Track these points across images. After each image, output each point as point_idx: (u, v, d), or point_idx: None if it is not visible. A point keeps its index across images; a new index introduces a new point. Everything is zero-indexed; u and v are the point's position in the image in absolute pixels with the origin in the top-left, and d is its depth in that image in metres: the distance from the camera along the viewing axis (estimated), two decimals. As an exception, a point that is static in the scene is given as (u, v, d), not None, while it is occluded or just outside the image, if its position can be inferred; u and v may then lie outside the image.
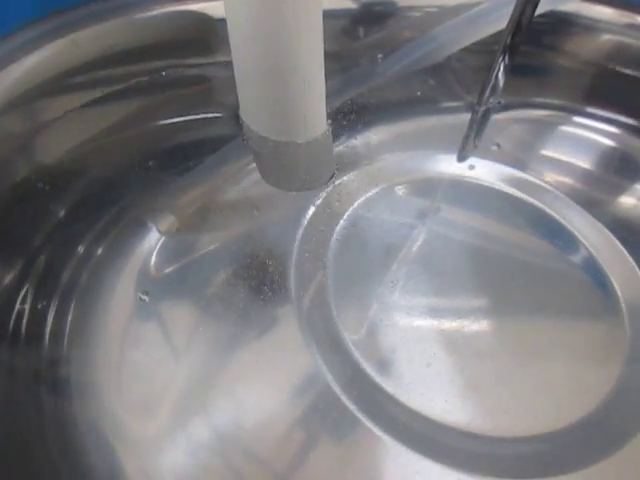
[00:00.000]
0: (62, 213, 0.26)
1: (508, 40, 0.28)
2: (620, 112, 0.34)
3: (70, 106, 0.25)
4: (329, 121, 0.28)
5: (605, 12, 0.31)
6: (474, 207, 0.31)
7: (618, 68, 0.32)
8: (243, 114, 0.24)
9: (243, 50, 0.22)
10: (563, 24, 0.31)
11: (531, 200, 0.31)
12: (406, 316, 0.27)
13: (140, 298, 0.26)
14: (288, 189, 0.26)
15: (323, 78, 0.23)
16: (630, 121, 0.33)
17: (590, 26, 0.31)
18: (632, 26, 0.31)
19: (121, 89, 0.27)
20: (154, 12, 0.26)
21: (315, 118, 0.24)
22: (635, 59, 0.32)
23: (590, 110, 0.34)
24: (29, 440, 0.22)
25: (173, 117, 0.29)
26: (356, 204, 0.31)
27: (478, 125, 0.29)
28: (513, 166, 0.32)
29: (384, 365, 0.26)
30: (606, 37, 0.32)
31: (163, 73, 0.28)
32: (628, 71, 0.32)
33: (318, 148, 0.25)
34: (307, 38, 0.21)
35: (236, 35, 0.21)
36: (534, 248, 0.30)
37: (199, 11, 0.27)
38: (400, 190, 0.32)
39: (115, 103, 0.27)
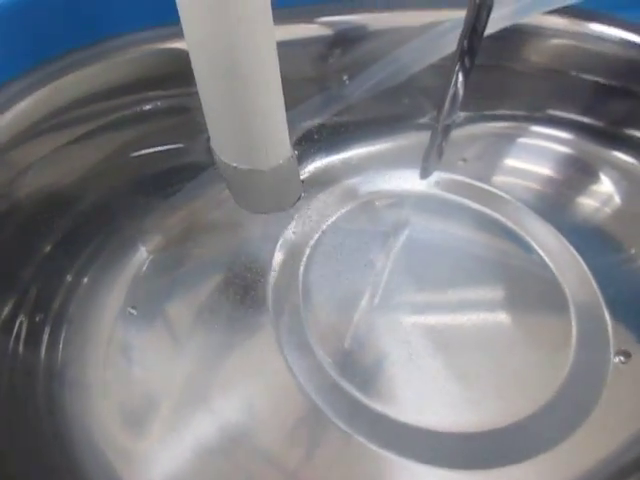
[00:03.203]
0: (60, 235, 0.29)
1: (465, 44, 0.28)
2: (577, 118, 0.35)
3: (57, 144, 0.27)
4: (301, 144, 0.30)
5: (558, 22, 0.32)
6: (441, 219, 0.33)
7: (573, 73, 0.34)
8: (212, 144, 0.26)
9: (206, 88, 0.24)
10: (515, 35, 0.33)
11: (491, 212, 0.33)
12: (376, 316, 0.30)
13: (129, 312, 0.29)
14: (258, 212, 0.28)
15: (283, 110, 0.25)
16: (587, 127, 0.35)
17: (540, 34, 0.33)
18: (581, 33, 0.32)
19: (104, 124, 0.29)
20: (132, 54, 0.28)
21: (277, 147, 0.26)
22: (586, 64, 0.34)
23: (552, 118, 0.36)
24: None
25: (156, 146, 0.32)
26: (331, 219, 0.33)
27: (440, 141, 0.31)
28: (477, 179, 0.34)
29: (350, 365, 0.28)
30: (558, 45, 0.33)
31: (145, 107, 0.30)
32: (583, 76, 0.34)
33: (283, 173, 0.27)
34: (264, 77, 0.23)
35: (199, 76, 0.23)
36: (497, 256, 0.32)
37: (174, 48, 0.29)
38: (373, 205, 0.34)
39: (100, 137, 0.29)
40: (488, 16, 0.27)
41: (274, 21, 0.31)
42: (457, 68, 0.29)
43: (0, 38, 0.24)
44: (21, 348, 0.26)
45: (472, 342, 0.29)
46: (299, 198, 0.29)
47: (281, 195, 0.28)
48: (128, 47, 0.28)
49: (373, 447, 0.25)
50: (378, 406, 0.27)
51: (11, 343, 0.26)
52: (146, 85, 0.30)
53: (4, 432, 0.24)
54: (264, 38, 0.22)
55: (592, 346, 0.28)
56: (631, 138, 0.35)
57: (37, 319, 0.27)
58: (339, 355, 0.28)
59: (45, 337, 0.27)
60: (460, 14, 0.29)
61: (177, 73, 0.30)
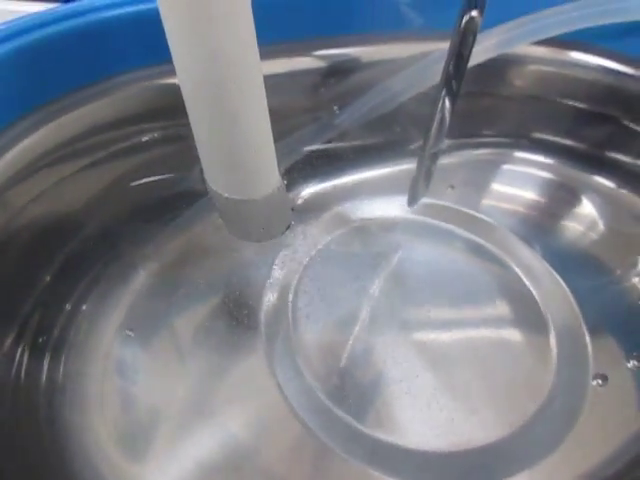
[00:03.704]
0: (60, 264, 0.31)
1: (451, 70, 0.28)
2: (560, 143, 0.36)
3: (59, 176, 0.29)
4: (293, 172, 0.32)
5: (540, 50, 0.34)
6: (431, 245, 0.34)
7: (555, 99, 0.35)
8: (205, 175, 0.28)
9: (197, 124, 0.25)
10: (498, 63, 0.33)
11: (478, 237, 0.34)
12: (368, 338, 0.31)
13: (127, 334, 0.30)
14: (249, 240, 0.30)
15: (271, 142, 0.26)
16: (570, 152, 0.36)
17: (523, 61, 0.34)
18: (562, 61, 0.34)
19: (105, 156, 0.31)
20: (130, 91, 0.30)
21: (266, 177, 0.27)
22: (568, 90, 0.35)
23: (535, 144, 0.37)
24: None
25: (155, 175, 0.33)
26: (322, 244, 0.34)
27: (427, 168, 0.32)
28: (465, 205, 0.35)
29: (342, 387, 0.29)
30: (540, 72, 0.35)
31: (143, 139, 0.32)
32: (565, 101, 0.35)
33: (272, 203, 0.28)
34: (252, 114, 0.24)
35: (191, 112, 0.25)
36: (483, 279, 0.33)
37: (169, 83, 0.31)
38: (364, 230, 0.35)
39: (100, 168, 0.31)
40: (473, 41, 0.27)
41: (269, 55, 0.32)
42: (443, 94, 0.30)
43: (4, 81, 0.26)
44: (24, 368, 0.28)
45: (461, 363, 0.29)
46: (289, 226, 0.30)
47: (271, 223, 0.29)
48: (126, 84, 0.30)
49: (368, 470, 0.26)
50: (371, 429, 0.27)
51: (15, 364, 0.27)
52: (144, 118, 0.31)
53: (6, 446, 0.25)
54: (252, 78, 0.23)
55: (571, 369, 0.29)
56: (612, 163, 0.36)
57: (40, 340, 0.29)
58: (331, 378, 0.29)
59: (47, 358, 0.29)
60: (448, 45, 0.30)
61: (173, 106, 0.31)
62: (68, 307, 0.30)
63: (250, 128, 0.25)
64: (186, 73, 0.23)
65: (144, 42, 0.29)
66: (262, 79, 0.24)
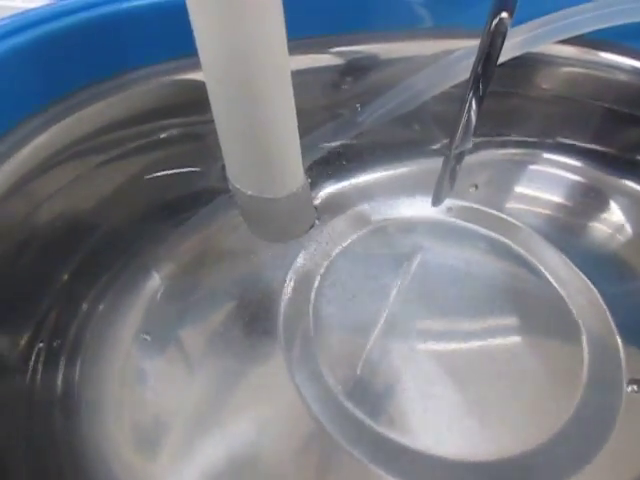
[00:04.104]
0: (77, 263, 0.30)
1: (479, 71, 0.28)
2: (588, 145, 0.36)
3: (76, 173, 0.28)
4: (314, 170, 0.31)
5: (569, 50, 0.33)
6: (453, 246, 0.34)
7: (583, 100, 0.34)
8: (228, 173, 0.27)
9: (223, 121, 0.24)
10: (526, 63, 0.33)
11: (503, 238, 0.34)
12: (388, 343, 0.30)
13: (143, 338, 0.30)
14: (272, 240, 0.29)
15: (297, 139, 0.26)
16: (598, 154, 0.36)
17: (551, 62, 0.34)
18: (592, 62, 0.33)
19: (122, 153, 0.30)
20: (149, 86, 0.29)
21: (292, 175, 0.26)
22: (597, 91, 0.34)
23: (562, 145, 0.36)
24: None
25: (171, 173, 0.32)
26: (343, 245, 0.33)
27: (452, 168, 0.31)
28: (489, 206, 0.34)
29: (361, 392, 0.28)
30: (569, 72, 0.34)
31: (161, 135, 0.31)
32: (594, 103, 0.34)
33: (297, 201, 0.27)
34: (280, 111, 0.24)
35: (216, 108, 0.24)
36: (509, 283, 0.32)
37: (188, 78, 0.30)
38: (385, 231, 0.34)
39: (117, 165, 0.30)
40: (502, 43, 0.27)
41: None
42: (470, 95, 0.29)
43: (21, 75, 0.25)
44: (40, 370, 0.27)
45: (484, 369, 0.29)
46: (312, 226, 0.30)
47: (295, 223, 0.28)
48: (145, 79, 0.29)
49: (385, 475, 0.25)
50: (389, 433, 0.27)
51: (30, 367, 0.27)
52: (162, 115, 0.30)
53: (21, 452, 0.24)
54: (280, 74, 0.23)
55: (604, 375, 0.28)
56: (641, 165, 0.36)
57: (55, 344, 0.28)
58: (350, 382, 0.28)
59: (62, 361, 0.28)
60: (470, 43, 0.30)
61: (191, 102, 0.30)
62: (84, 307, 0.29)
63: (278, 125, 0.24)
64: (213, 68, 0.22)
65: (161, 36, 0.28)
66: (290, 76, 0.23)
